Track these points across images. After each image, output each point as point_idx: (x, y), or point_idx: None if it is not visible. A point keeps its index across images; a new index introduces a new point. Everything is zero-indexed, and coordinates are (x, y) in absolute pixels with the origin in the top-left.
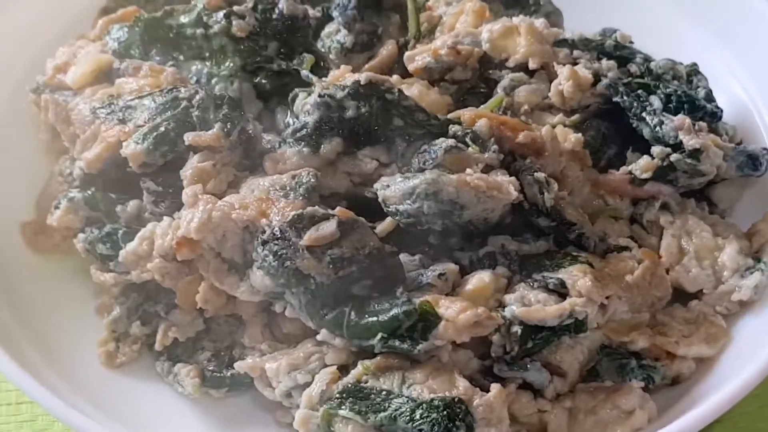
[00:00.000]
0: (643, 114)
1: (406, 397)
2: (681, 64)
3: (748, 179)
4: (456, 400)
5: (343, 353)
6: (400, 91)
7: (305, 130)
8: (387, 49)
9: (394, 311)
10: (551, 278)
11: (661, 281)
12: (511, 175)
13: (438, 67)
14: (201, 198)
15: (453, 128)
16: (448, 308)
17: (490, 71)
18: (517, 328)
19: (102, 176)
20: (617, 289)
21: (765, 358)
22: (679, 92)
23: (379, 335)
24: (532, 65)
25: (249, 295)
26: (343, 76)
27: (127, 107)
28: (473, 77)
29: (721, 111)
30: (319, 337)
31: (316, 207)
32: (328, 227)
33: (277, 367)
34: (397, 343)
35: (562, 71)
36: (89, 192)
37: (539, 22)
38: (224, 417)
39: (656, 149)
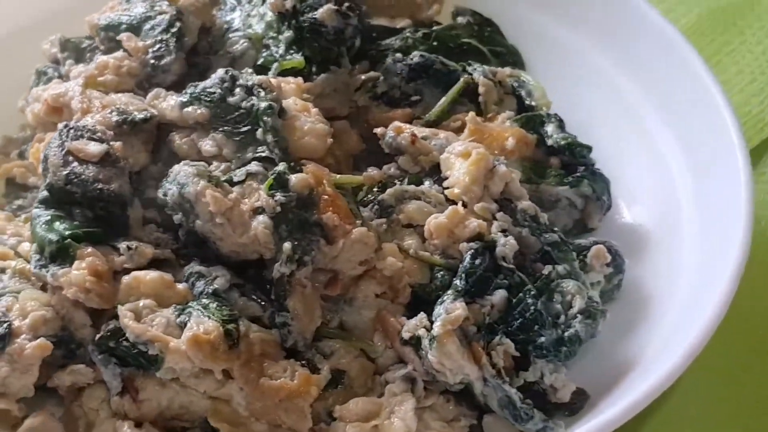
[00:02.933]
0: (453, 284)
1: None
2: (594, 303)
3: None
4: (7, 323)
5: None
6: (270, 106)
7: (194, 88)
8: (396, 113)
9: (51, 234)
10: (188, 315)
11: (296, 411)
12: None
13: (389, 143)
14: (76, 79)
15: (280, 165)
16: (82, 264)
17: (430, 180)
18: (114, 323)
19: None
20: (242, 379)
21: None
22: (531, 309)
23: (35, 245)
24: (447, 193)
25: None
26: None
27: None
28: (417, 174)
29: (556, 356)
30: (27, 225)
31: (107, 131)
32: (93, 148)
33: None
34: (35, 258)
35: (447, 210)
36: (72, 39)
37: (501, 168)
38: None
39: (421, 316)
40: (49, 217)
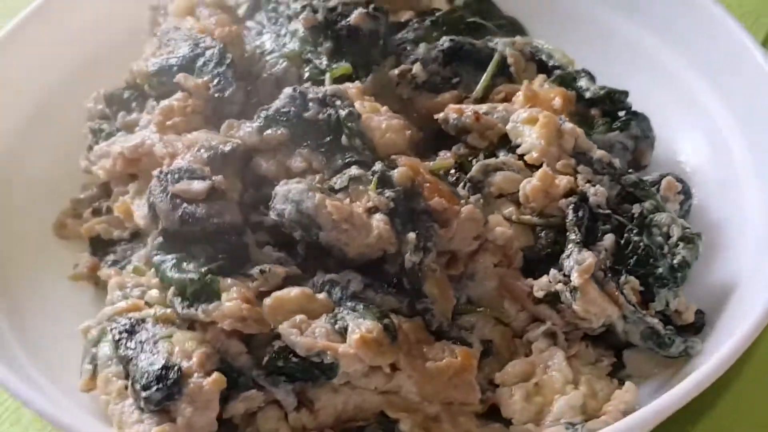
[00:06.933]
0: (571, 239)
1: (153, 348)
2: (687, 228)
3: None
4: (176, 367)
5: (158, 295)
6: (350, 112)
7: (267, 111)
8: (444, 97)
9: (188, 275)
10: (343, 320)
11: (465, 386)
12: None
13: (455, 125)
14: (149, 126)
15: (377, 164)
16: (230, 295)
17: (502, 151)
18: (278, 343)
19: (133, 87)
20: (409, 368)
21: None
22: (640, 244)
23: (172, 289)
24: (527, 158)
25: (139, 219)
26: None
27: (172, 38)
28: (487, 148)
29: (674, 282)
30: (148, 274)
31: (204, 167)
32: (198, 186)
33: (113, 283)
34: (177, 300)
35: (537, 172)
36: (114, 91)
37: (568, 126)
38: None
39: (553, 273)
40: (174, 261)
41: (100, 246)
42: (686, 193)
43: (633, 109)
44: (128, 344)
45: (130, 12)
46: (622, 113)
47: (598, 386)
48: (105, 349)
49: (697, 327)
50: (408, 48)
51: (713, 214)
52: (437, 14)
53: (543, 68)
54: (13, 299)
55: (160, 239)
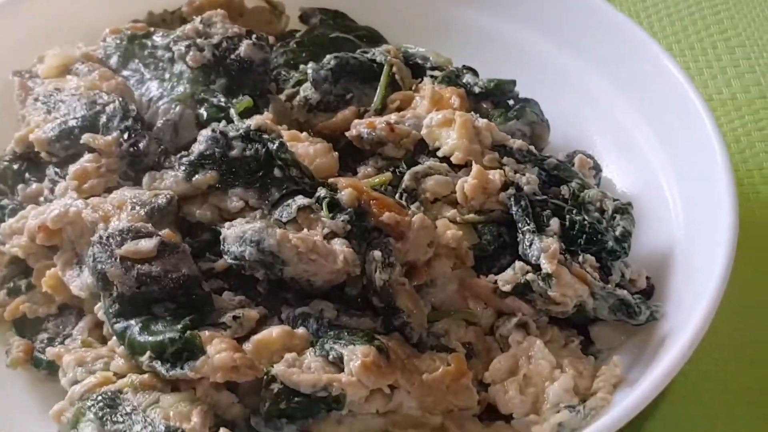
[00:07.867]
0: (525, 229)
1: (144, 417)
2: (616, 200)
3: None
4: (180, 431)
5: (126, 363)
6: (281, 143)
7: (189, 157)
8: (344, 113)
9: (164, 335)
10: (334, 350)
11: (463, 391)
12: (369, 249)
13: (370, 139)
14: (68, 193)
15: (321, 190)
16: (216, 347)
17: (422, 156)
18: (276, 386)
19: (24, 157)
20: (407, 384)
21: None
22: (585, 222)
23: (148, 353)
24: (453, 159)
25: (78, 290)
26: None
27: (59, 101)
28: (405, 157)
29: (624, 252)
30: (109, 343)
31: (146, 224)
32: (147, 244)
33: (69, 360)
34: (157, 364)
35: (472, 170)
36: (3, 165)
37: (482, 122)
38: (39, 395)
39: (518, 265)
40: (141, 324)
41: (27, 326)
42: (596, 167)
43: (520, 95)
44: (114, 418)
45: None
46: (511, 102)
47: (581, 366)
48: (88, 429)
49: (648, 291)
50: (283, 72)
51: (618, 183)
52: (298, 35)
53: (418, 71)
54: None
55: (117, 306)
